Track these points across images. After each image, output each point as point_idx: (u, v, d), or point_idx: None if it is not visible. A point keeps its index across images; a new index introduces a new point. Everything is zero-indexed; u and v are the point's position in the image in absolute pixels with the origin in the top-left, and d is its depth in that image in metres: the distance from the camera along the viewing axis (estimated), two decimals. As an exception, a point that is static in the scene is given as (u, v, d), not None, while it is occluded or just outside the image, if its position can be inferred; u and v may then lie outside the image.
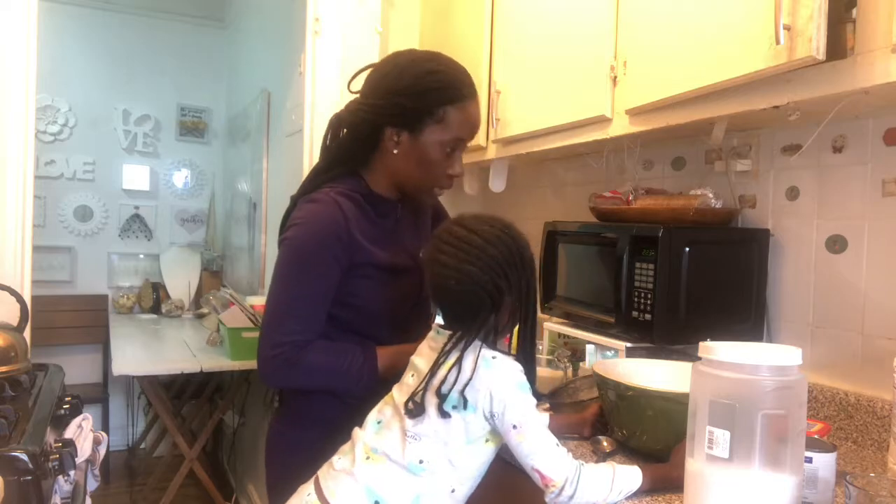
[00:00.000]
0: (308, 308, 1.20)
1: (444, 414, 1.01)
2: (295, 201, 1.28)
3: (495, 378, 1.01)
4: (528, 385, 1.03)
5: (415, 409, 1.02)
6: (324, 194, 1.23)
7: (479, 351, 1.02)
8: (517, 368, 1.03)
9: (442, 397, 1.01)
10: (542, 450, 0.99)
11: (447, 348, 1.04)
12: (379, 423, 1.09)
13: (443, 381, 1.01)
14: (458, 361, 1.02)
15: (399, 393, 1.10)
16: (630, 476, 1.02)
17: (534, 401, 1.02)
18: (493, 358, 1.03)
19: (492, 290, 1.04)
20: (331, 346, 1.22)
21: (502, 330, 1.10)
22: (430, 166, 1.24)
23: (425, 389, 1.03)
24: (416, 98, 1.20)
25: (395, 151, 1.23)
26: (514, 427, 0.99)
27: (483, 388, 1.00)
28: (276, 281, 1.22)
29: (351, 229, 1.20)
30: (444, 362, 1.03)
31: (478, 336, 1.04)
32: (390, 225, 1.31)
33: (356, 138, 1.27)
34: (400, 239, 1.32)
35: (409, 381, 1.10)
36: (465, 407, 1.00)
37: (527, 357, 1.10)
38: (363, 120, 1.24)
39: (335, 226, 1.19)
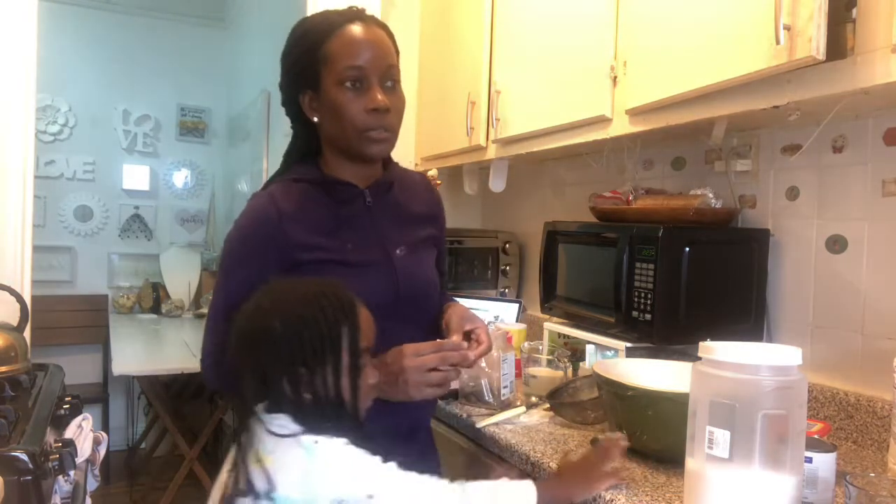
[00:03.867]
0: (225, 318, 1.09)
1: None
2: None
3: (325, 468, 0.88)
4: (361, 452, 0.90)
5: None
6: (264, 189, 1.19)
7: (301, 440, 0.89)
8: (343, 444, 0.90)
9: None
10: (413, 500, 0.91)
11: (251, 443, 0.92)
12: None
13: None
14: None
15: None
16: (519, 493, 0.95)
17: (374, 458, 0.91)
18: (316, 443, 0.89)
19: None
20: None
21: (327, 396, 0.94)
22: (344, 111, 1.12)
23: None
24: (298, 52, 1.16)
25: (316, 118, 1.17)
26: (370, 497, 0.89)
27: (316, 482, 0.88)
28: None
29: (283, 224, 1.12)
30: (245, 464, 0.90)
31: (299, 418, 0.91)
32: (357, 212, 1.19)
33: (292, 126, 1.24)
34: (368, 230, 1.19)
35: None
36: None
37: (338, 411, 0.94)
38: (283, 103, 1.22)
39: (263, 225, 1.13)
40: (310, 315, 0.93)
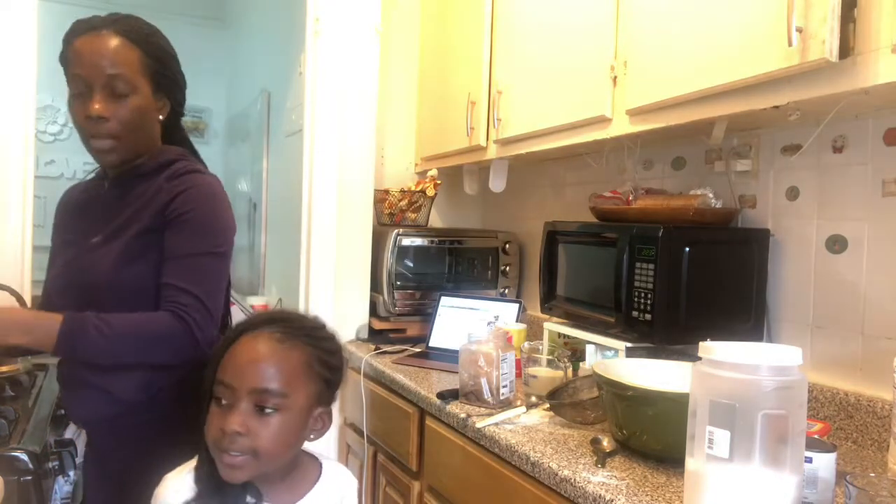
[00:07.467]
0: None
1: None
2: None
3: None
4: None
5: None
6: None
7: None
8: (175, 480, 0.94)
9: None
10: None
11: None
12: None
13: None
14: None
15: None
16: None
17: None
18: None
19: None
20: None
21: None
22: (74, 118, 1.19)
23: None
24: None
25: None
26: None
27: None
28: None
29: (62, 204, 1.33)
30: None
31: None
32: (105, 200, 1.25)
33: None
34: (100, 216, 1.23)
35: None
36: None
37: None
38: None
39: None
40: None
